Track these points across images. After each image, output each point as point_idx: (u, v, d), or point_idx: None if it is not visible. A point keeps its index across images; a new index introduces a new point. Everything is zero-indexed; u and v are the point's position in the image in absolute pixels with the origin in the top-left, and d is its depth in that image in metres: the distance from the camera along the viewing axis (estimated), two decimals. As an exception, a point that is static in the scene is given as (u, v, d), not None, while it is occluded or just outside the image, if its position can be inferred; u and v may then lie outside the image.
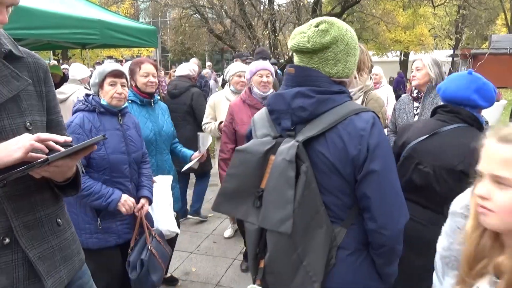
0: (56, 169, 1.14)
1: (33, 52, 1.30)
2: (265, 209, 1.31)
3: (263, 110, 1.52)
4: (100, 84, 2.22)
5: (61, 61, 16.36)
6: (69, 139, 1.18)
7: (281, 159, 1.28)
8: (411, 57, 31.05)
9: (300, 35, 1.34)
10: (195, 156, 2.95)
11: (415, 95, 2.95)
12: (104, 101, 2.21)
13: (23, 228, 1.16)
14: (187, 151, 3.01)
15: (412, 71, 3.01)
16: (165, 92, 6.04)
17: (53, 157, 1.06)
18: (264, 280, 1.36)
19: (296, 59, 1.40)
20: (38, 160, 1.04)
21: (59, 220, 1.30)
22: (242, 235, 3.46)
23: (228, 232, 4.04)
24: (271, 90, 3.10)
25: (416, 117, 2.87)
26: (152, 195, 2.37)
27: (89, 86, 4.56)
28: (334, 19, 1.35)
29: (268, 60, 5.43)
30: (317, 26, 1.33)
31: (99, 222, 2.15)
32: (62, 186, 1.30)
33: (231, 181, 1.41)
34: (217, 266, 3.46)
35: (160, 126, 2.76)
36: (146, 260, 2.22)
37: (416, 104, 2.95)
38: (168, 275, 3.18)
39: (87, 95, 2.23)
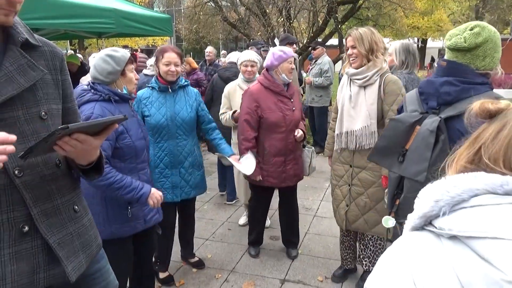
0: (79, 144, 1.14)
1: (48, 40, 1.31)
2: (406, 163, 1.79)
3: (414, 91, 1.96)
4: (122, 72, 2.14)
5: (77, 51, 16.52)
6: (14, 137, 1.04)
7: (425, 129, 1.73)
8: (429, 43, 30.37)
9: (456, 37, 1.71)
10: (234, 158, 2.95)
11: None
12: (125, 89, 2.18)
13: (42, 215, 1.20)
14: (226, 148, 2.97)
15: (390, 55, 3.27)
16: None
17: (73, 126, 1.06)
18: (396, 214, 1.91)
19: (449, 55, 1.77)
20: (59, 127, 1.04)
21: (76, 207, 1.34)
22: (251, 219, 3.49)
23: (242, 220, 4.08)
24: None
25: None
26: None
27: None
28: (484, 24, 1.71)
29: (295, 44, 5.39)
30: (471, 29, 1.69)
31: (129, 210, 2.17)
32: (86, 170, 1.33)
33: (383, 140, 1.96)
34: (232, 253, 3.50)
35: (176, 112, 2.73)
36: None
37: None
38: (196, 259, 3.28)
39: (93, 83, 2.11)
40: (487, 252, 0.59)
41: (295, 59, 5.28)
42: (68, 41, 15.57)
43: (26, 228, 1.16)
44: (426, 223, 0.70)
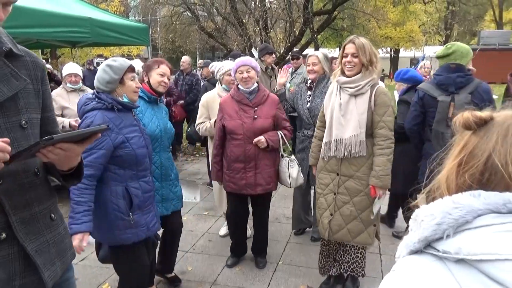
0: (62, 152, 1.17)
1: (30, 51, 1.34)
2: None
3: (428, 84, 3.05)
4: (120, 80, 2.19)
5: (49, 60, 16.13)
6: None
7: (463, 102, 2.80)
8: (402, 53, 31.25)
9: (452, 50, 2.94)
10: None
11: (308, 85, 3.45)
12: (126, 97, 2.23)
13: (20, 223, 1.21)
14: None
15: (309, 65, 3.39)
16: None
17: (57, 137, 1.10)
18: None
19: (450, 60, 2.94)
20: (43, 138, 1.08)
21: (53, 215, 1.36)
22: (229, 229, 3.48)
23: (223, 231, 4.02)
24: (255, 84, 3.11)
25: (309, 103, 3.38)
26: None
27: (69, 84, 4.44)
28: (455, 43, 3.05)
29: (274, 54, 5.40)
30: (448, 46, 3.00)
31: (131, 217, 2.21)
32: (66, 175, 1.36)
33: (439, 116, 2.94)
34: (213, 265, 3.45)
35: (165, 123, 2.77)
36: None
37: (309, 92, 3.43)
38: (173, 274, 3.17)
39: (98, 93, 2.18)
40: (501, 275, 0.57)
41: (273, 68, 5.37)
42: (40, 50, 15.18)
43: (4, 235, 1.17)
44: (426, 246, 0.67)
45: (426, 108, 3.02)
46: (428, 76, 6.71)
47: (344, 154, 2.59)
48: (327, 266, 2.98)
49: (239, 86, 3.11)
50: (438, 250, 0.65)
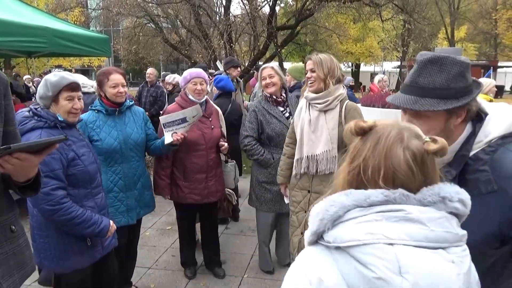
0: (19, 162, 1.17)
1: None
2: None
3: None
4: (54, 98, 2.00)
5: (3, 70, 15.39)
6: None
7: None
8: (362, 68, 32.41)
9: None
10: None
11: (278, 99, 3.12)
12: (59, 116, 2.01)
13: None
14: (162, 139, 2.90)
15: (264, 79, 3.08)
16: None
17: (15, 146, 1.13)
18: None
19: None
20: (1, 147, 1.10)
21: (13, 227, 1.35)
22: (180, 240, 3.43)
23: (187, 245, 3.94)
24: (205, 97, 3.12)
25: (290, 119, 2.98)
26: None
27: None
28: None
29: (239, 67, 5.42)
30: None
31: (88, 239, 2.12)
32: (23, 187, 1.34)
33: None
34: (176, 281, 3.35)
35: (127, 134, 2.66)
36: None
37: (280, 108, 3.13)
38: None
39: (36, 109, 1.98)
40: (361, 256, 0.74)
41: (238, 81, 5.38)
42: (-6, 59, 14.48)
43: None
44: (319, 238, 0.83)
45: None
46: (385, 89, 6.97)
47: (316, 171, 2.55)
48: None
49: (189, 96, 3.04)
50: (325, 241, 0.80)
